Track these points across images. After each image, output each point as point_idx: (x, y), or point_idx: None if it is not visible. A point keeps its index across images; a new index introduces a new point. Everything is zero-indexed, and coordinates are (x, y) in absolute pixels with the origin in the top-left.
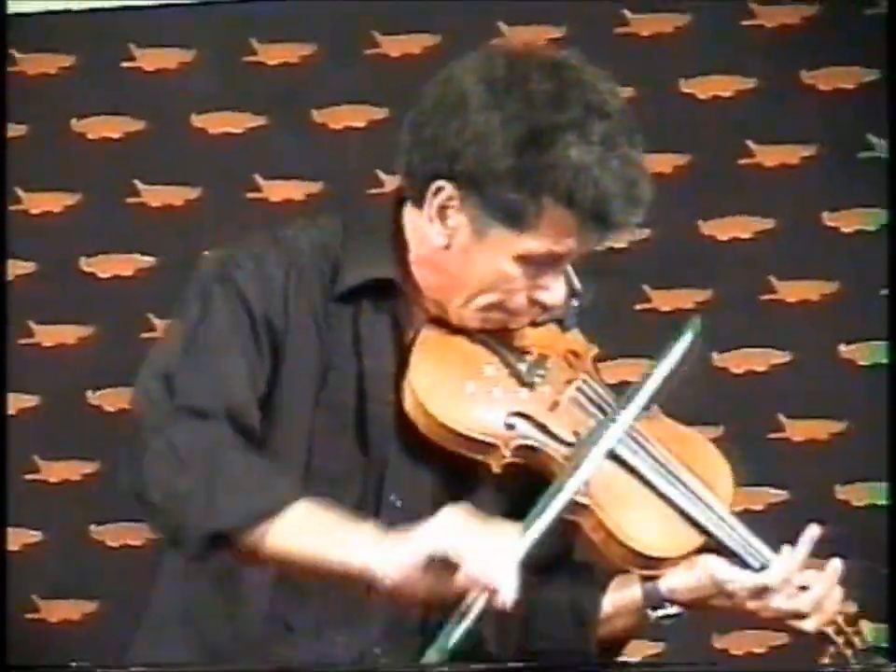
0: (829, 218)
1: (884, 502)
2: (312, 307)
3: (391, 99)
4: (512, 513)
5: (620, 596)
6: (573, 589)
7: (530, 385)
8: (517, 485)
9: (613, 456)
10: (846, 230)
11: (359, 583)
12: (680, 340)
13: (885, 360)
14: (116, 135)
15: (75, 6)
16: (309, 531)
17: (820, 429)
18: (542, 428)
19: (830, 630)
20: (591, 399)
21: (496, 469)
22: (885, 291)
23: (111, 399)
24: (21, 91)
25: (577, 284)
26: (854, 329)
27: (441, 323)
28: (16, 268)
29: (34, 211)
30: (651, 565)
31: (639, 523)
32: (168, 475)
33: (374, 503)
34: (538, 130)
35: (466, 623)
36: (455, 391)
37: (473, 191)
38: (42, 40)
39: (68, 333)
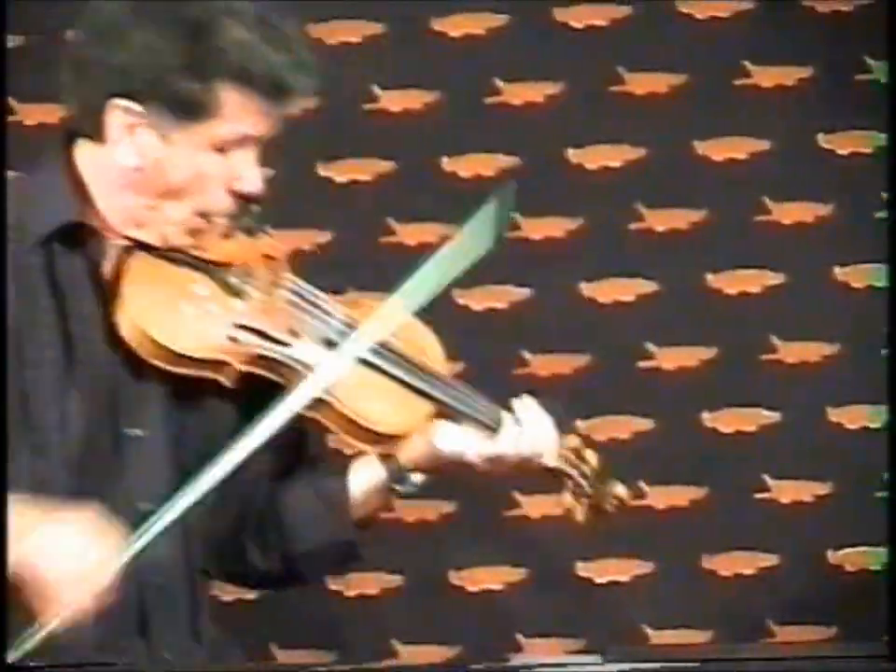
0: (824, 140)
1: (878, 425)
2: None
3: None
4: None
5: (364, 479)
6: (316, 483)
7: (242, 295)
8: (251, 395)
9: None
10: (841, 151)
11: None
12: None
13: (880, 283)
14: None
15: None
16: None
17: (813, 352)
18: (262, 335)
19: (564, 466)
20: (301, 297)
21: (229, 384)
22: (881, 214)
23: None
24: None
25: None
26: (849, 251)
27: (143, 253)
28: None
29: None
30: (391, 441)
31: (374, 405)
32: None
33: (111, 440)
34: (196, 23)
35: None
36: (173, 315)
37: (151, 98)
38: None
39: None
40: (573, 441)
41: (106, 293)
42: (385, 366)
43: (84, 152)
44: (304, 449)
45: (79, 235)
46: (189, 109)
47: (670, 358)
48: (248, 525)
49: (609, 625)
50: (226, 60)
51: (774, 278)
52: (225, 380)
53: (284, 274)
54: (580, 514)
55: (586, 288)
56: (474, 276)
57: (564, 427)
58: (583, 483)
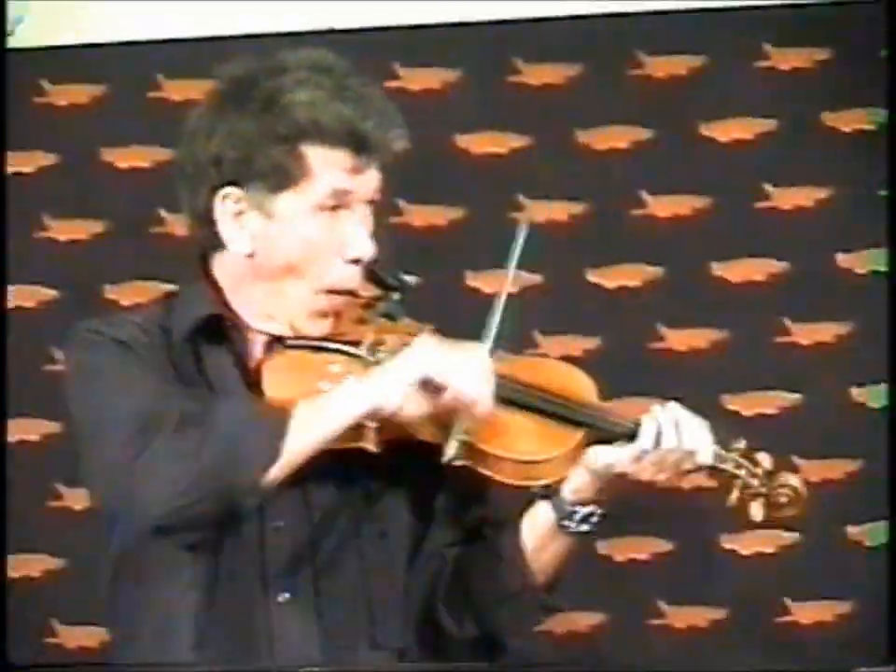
0: (842, 261)
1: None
2: (161, 367)
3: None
4: (400, 486)
5: (535, 524)
6: (491, 540)
7: (376, 363)
8: (398, 463)
9: None
10: (859, 270)
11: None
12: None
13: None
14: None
15: (105, 38)
16: (313, 421)
17: None
18: None
19: (729, 467)
20: None
21: (373, 447)
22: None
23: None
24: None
25: (392, 278)
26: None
27: (280, 344)
28: (41, 294)
29: (61, 238)
30: (541, 470)
31: (518, 439)
32: (179, 472)
33: (258, 533)
34: (268, 94)
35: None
36: (312, 394)
37: (246, 178)
38: (72, 71)
39: None
40: (740, 443)
41: (254, 385)
42: (525, 402)
43: (215, 260)
44: (479, 510)
45: (222, 330)
46: (281, 176)
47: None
48: (439, 597)
49: None
50: (301, 119)
51: (789, 399)
52: (370, 445)
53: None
54: (756, 513)
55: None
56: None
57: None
58: (754, 482)
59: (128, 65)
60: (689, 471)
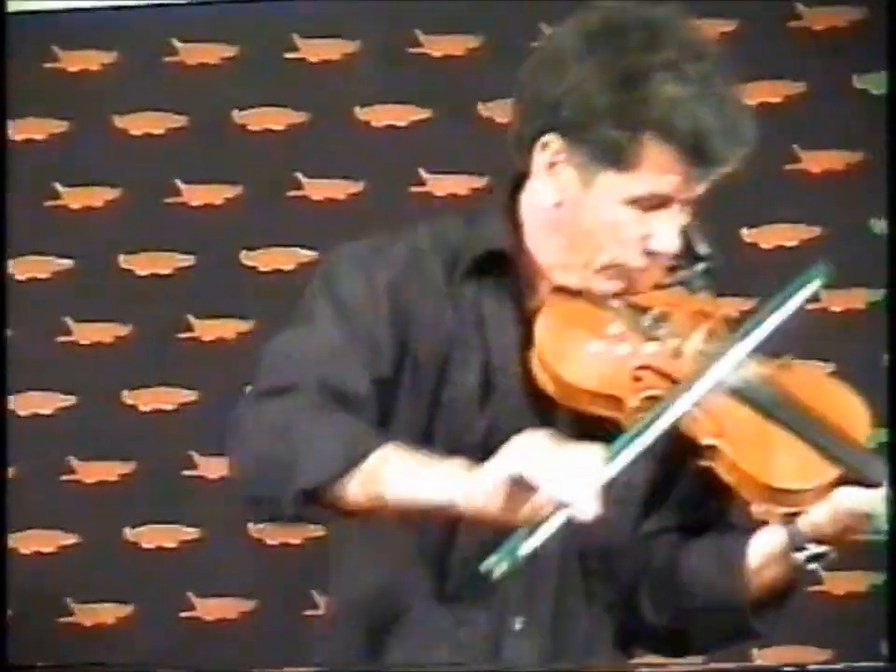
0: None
1: None
2: (434, 294)
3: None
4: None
5: (765, 542)
6: (718, 542)
7: (655, 339)
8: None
9: (737, 395)
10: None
11: (447, 517)
12: (804, 284)
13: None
14: (159, 131)
15: (117, 3)
16: (391, 475)
17: None
18: (668, 378)
19: None
20: (718, 350)
21: (626, 422)
22: None
23: (146, 399)
24: (62, 87)
25: (702, 247)
26: None
27: (565, 292)
28: (54, 265)
29: (74, 206)
30: (788, 499)
31: (772, 458)
32: (253, 447)
33: None
34: (632, 70)
35: (539, 535)
36: (580, 352)
37: (576, 138)
38: (84, 37)
39: (105, 332)
40: None
41: (525, 329)
42: (789, 421)
43: (525, 195)
44: (715, 511)
45: (507, 268)
46: (611, 156)
47: None
48: (646, 581)
49: None
50: (652, 112)
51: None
52: (623, 419)
53: (709, 327)
54: None
55: None
56: None
57: None
58: None
59: (141, 29)
60: None
